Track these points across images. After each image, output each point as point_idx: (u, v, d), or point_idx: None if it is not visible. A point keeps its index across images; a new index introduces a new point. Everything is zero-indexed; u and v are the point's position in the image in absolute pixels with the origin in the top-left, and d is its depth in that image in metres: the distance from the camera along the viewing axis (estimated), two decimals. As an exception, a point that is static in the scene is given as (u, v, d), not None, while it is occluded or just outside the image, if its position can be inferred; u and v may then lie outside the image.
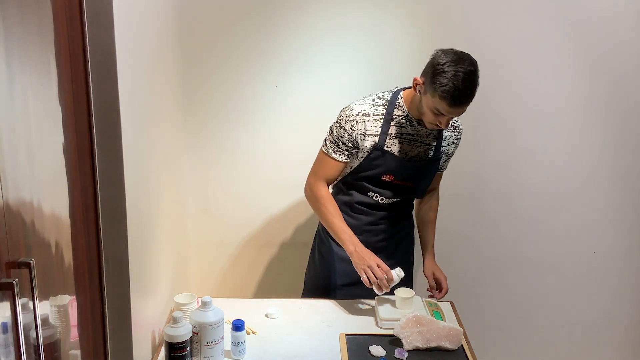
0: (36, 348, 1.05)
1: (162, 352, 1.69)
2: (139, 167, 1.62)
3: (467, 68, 1.73)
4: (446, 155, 2.08)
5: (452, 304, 2.08)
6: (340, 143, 1.96)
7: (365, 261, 1.88)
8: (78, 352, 1.31)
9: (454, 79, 1.71)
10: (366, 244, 1.97)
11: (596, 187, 2.58)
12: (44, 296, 1.12)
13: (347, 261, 2.06)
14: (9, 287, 0.93)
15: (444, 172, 2.17)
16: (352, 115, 1.94)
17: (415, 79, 1.85)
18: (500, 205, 2.60)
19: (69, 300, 1.25)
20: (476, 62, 1.78)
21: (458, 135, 2.06)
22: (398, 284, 1.92)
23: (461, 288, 2.64)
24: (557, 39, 2.40)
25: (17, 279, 0.94)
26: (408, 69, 2.43)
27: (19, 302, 0.95)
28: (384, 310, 1.92)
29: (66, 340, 1.25)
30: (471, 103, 2.47)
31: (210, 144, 2.47)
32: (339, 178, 2.08)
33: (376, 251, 1.99)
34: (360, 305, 2.03)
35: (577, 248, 2.64)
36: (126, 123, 1.45)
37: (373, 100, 1.97)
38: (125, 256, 1.48)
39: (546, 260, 2.65)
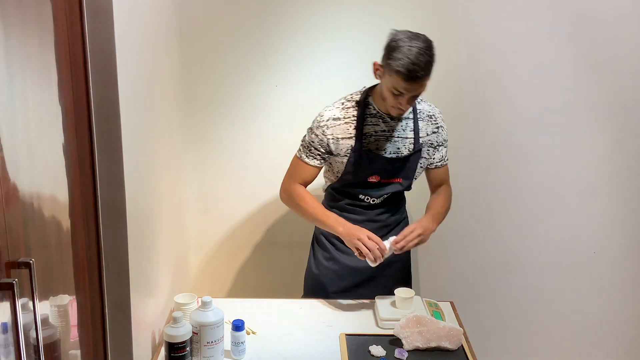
0: (36, 348, 1.05)
1: (162, 352, 1.69)
2: (139, 167, 1.62)
3: (421, 44, 1.76)
4: (430, 146, 2.03)
5: (452, 304, 2.08)
6: (313, 148, 1.99)
7: (355, 235, 1.87)
8: (78, 352, 1.31)
9: (408, 53, 1.74)
10: None
11: (596, 187, 2.57)
12: (44, 296, 1.12)
13: (345, 265, 2.06)
14: (9, 287, 0.93)
15: (448, 166, 2.11)
16: (323, 121, 1.96)
17: (374, 63, 1.86)
18: (500, 205, 2.59)
19: (69, 300, 1.25)
20: (432, 41, 1.80)
21: (436, 124, 2.03)
22: (392, 260, 1.92)
23: (461, 288, 2.64)
24: (558, 38, 2.40)
25: (17, 279, 0.94)
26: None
27: (19, 302, 0.95)
28: (384, 310, 1.92)
29: (66, 340, 1.25)
30: (471, 102, 2.49)
31: (210, 144, 2.47)
32: (328, 184, 2.09)
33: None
34: (360, 305, 2.03)
35: (577, 248, 2.64)
36: (126, 123, 1.45)
37: (342, 103, 1.99)
38: (125, 256, 1.48)
39: (546, 261, 2.65)
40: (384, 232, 2.09)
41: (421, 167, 2.05)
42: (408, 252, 2.21)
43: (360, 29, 2.38)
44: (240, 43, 2.36)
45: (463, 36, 2.41)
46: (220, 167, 2.50)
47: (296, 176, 2.03)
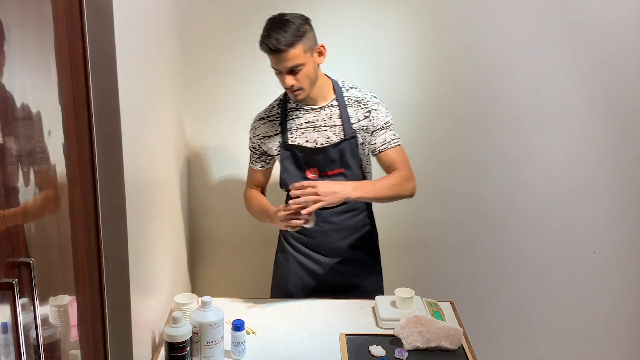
0: (36, 348, 1.05)
1: (162, 352, 1.69)
2: (139, 167, 1.62)
3: (283, 18, 1.82)
4: (366, 132, 1.96)
5: (452, 304, 2.08)
6: (252, 152, 2.09)
7: (278, 218, 1.84)
8: (78, 352, 1.31)
9: (269, 29, 1.81)
10: (325, 246, 2.05)
11: (596, 187, 2.58)
12: (44, 296, 1.12)
13: (302, 264, 2.08)
14: (9, 287, 0.93)
15: (401, 149, 1.99)
16: (252, 123, 2.06)
17: None
18: (500, 205, 2.59)
19: (69, 300, 1.25)
20: (302, 18, 1.83)
21: (367, 107, 1.96)
22: (357, 258, 1.99)
23: (461, 288, 2.64)
24: (558, 38, 2.40)
25: (17, 279, 0.94)
26: (409, 65, 2.44)
27: (19, 302, 0.95)
28: (384, 310, 1.92)
29: (66, 340, 1.25)
30: (471, 102, 2.49)
31: (210, 144, 2.47)
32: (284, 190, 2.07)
33: (336, 253, 2.05)
34: (360, 305, 2.03)
35: (577, 248, 2.64)
36: (126, 123, 1.45)
37: (270, 104, 2.06)
38: (125, 256, 1.49)
39: (546, 260, 2.65)
40: (342, 235, 2.05)
41: (364, 152, 1.99)
42: (375, 251, 2.15)
43: (360, 29, 2.38)
44: (241, 43, 2.36)
45: (462, 36, 2.41)
46: (220, 167, 2.50)
47: (249, 181, 2.15)
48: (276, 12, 2.34)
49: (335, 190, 1.81)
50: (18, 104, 1.03)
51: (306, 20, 1.85)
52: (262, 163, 2.08)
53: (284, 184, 2.03)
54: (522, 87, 2.46)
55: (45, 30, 1.14)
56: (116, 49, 1.37)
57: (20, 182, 1.03)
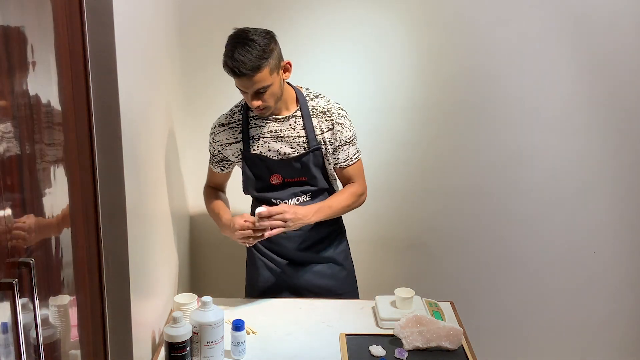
0: (36, 348, 1.05)
1: (162, 352, 1.69)
2: (139, 167, 1.62)
3: (245, 40, 1.72)
4: (330, 145, 1.93)
5: (452, 304, 2.08)
6: (212, 156, 2.06)
7: (232, 234, 1.87)
8: (78, 352, 1.31)
9: (231, 51, 1.72)
10: (291, 251, 2.04)
11: (596, 187, 2.58)
12: (44, 296, 1.12)
13: (270, 269, 2.08)
14: (9, 287, 0.93)
15: (360, 162, 2.00)
16: (212, 129, 2.01)
17: None
18: (501, 205, 2.60)
19: (69, 300, 1.25)
20: (265, 37, 1.74)
21: (331, 120, 1.91)
22: (315, 260, 1.95)
23: (461, 288, 2.64)
24: (557, 38, 2.41)
25: (17, 279, 0.94)
26: (408, 64, 2.44)
27: (19, 302, 0.95)
28: (384, 310, 1.92)
29: (66, 340, 1.25)
30: (471, 102, 2.49)
31: (210, 144, 2.47)
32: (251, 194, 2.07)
33: (302, 257, 2.04)
34: (360, 305, 2.03)
35: (577, 248, 2.64)
36: (126, 123, 1.45)
37: (231, 109, 2.01)
38: (125, 256, 1.48)
39: (546, 261, 2.65)
40: (306, 240, 2.03)
41: (329, 163, 1.97)
42: (343, 251, 2.12)
43: (360, 30, 2.38)
44: (240, 43, 2.36)
45: (462, 36, 2.41)
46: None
47: (209, 179, 2.14)
48: (276, 13, 2.35)
49: (299, 216, 1.84)
50: (18, 105, 1.03)
51: (272, 38, 1.77)
52: (222, 167, 2.06)
53: (246, 190, 2.03)
54: (521, 87, 2.46)
55: (45, 30, 1.14)
56: (116, 49, 1.37)
57: (21, 182, 1.03)
